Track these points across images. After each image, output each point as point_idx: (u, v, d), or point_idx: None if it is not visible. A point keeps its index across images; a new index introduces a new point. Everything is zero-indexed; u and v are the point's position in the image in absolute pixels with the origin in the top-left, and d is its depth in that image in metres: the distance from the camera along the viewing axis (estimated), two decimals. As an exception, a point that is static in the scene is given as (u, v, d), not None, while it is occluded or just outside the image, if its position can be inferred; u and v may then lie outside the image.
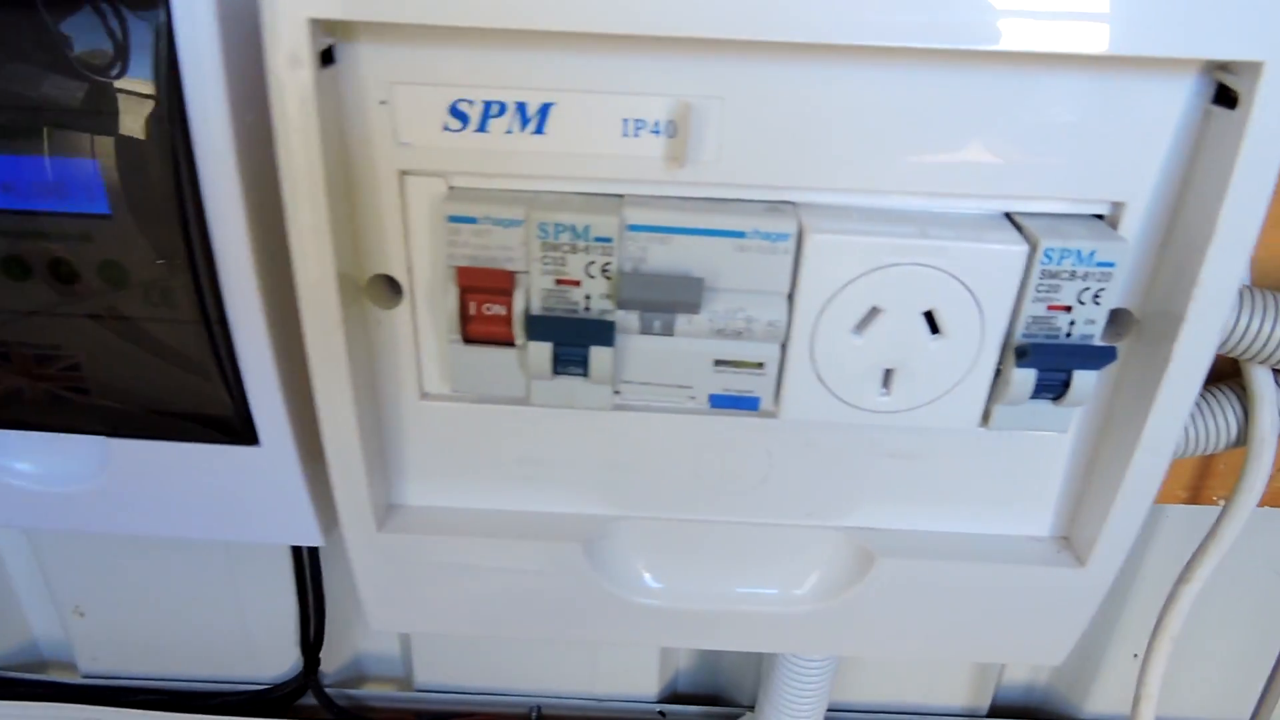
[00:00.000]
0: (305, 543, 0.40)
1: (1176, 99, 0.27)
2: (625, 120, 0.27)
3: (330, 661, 0.60)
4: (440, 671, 0.60)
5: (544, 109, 0.27)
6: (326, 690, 0.58)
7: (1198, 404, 0.37)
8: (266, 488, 0.37)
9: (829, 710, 0.53)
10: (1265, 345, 0.34)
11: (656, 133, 0.27)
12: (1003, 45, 0.25)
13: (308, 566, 0.53)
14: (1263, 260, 0.35)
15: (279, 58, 0.25)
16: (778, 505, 0.33)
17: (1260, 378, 0.36)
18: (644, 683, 0.60)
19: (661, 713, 0.60)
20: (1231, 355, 0.36)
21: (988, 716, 0.60)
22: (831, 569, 0.34)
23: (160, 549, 0.55)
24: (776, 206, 0.28)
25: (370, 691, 0.61)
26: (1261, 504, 0.39)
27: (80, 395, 0.36)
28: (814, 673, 0.46)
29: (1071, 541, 0.33)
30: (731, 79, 0.27)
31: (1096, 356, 0.28)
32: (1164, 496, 0.43)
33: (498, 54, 0.26)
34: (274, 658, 0.59)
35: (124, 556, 0.55)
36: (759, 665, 0.59)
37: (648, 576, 0.34)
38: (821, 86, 0.27)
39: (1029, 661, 0.35)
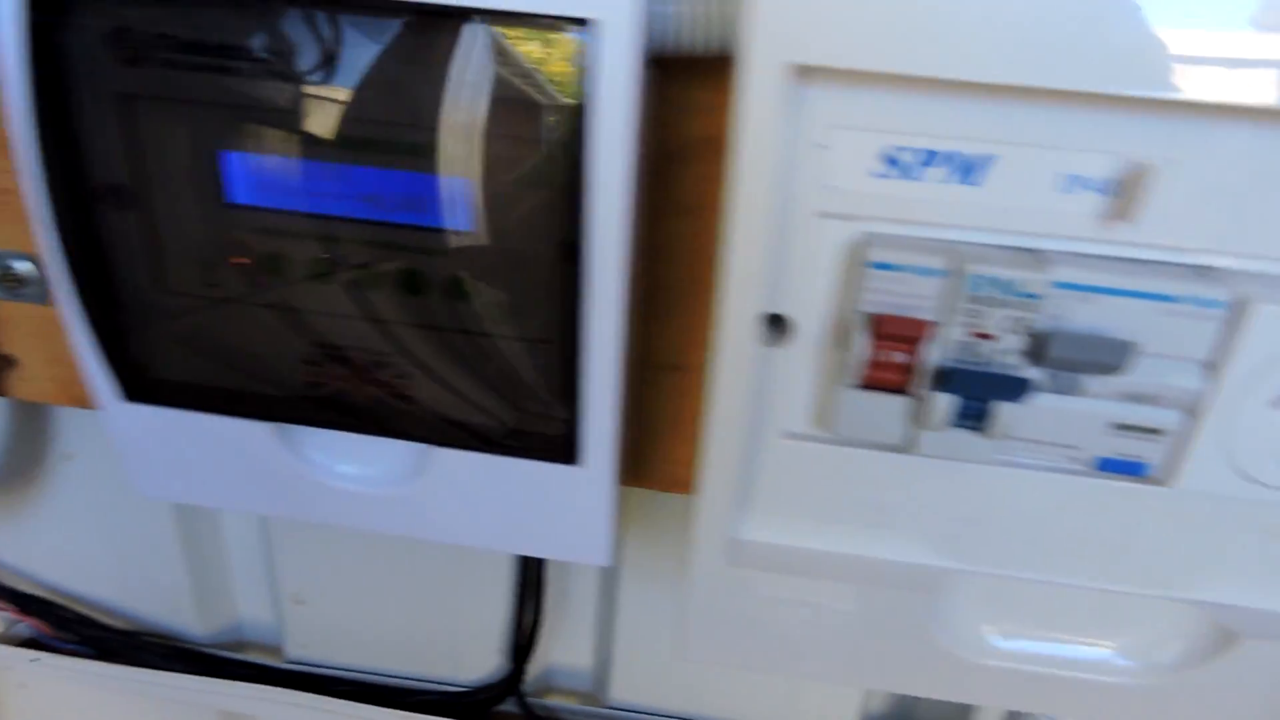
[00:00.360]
0: (596, 562, 0.40)
1: None
2: (1065, 176, 0.27)
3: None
4: (636, 690, 0.60)
5: (983, 161, 0.27)
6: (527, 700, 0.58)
7: None
8: (576, 507, 0.38)
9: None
10: None
11: (1095, 190, 0.27)
12: None
13: (535, 577, 0.54)
14: None
15: (752, 100, 0.25)
16: (1136, 573, 0.32)
17: None
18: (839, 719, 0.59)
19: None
20: None
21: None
22: (1187, 644, 0.33)
23: (388, 545, 0.56)
24: (1205, 271, 0.28)
25: (565, 704, 0.61)
26: None
27: (411, 403, 0.36)
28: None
29: None
30: (1181, 140, 0.26)
31: None
32: None
33: (945, 103, 0.26)
34: (475, 662, 0.60)
35: (350, 549, 0.56)
36: (958, 714, 0.58)
37: (991, 635, 0.34)
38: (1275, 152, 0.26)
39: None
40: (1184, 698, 0.33)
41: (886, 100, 0.26)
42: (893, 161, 0.27)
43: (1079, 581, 0.32)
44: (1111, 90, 0.25)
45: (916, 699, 0.60)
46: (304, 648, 0.61)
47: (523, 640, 0.56)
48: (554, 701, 0.62)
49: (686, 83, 0.34)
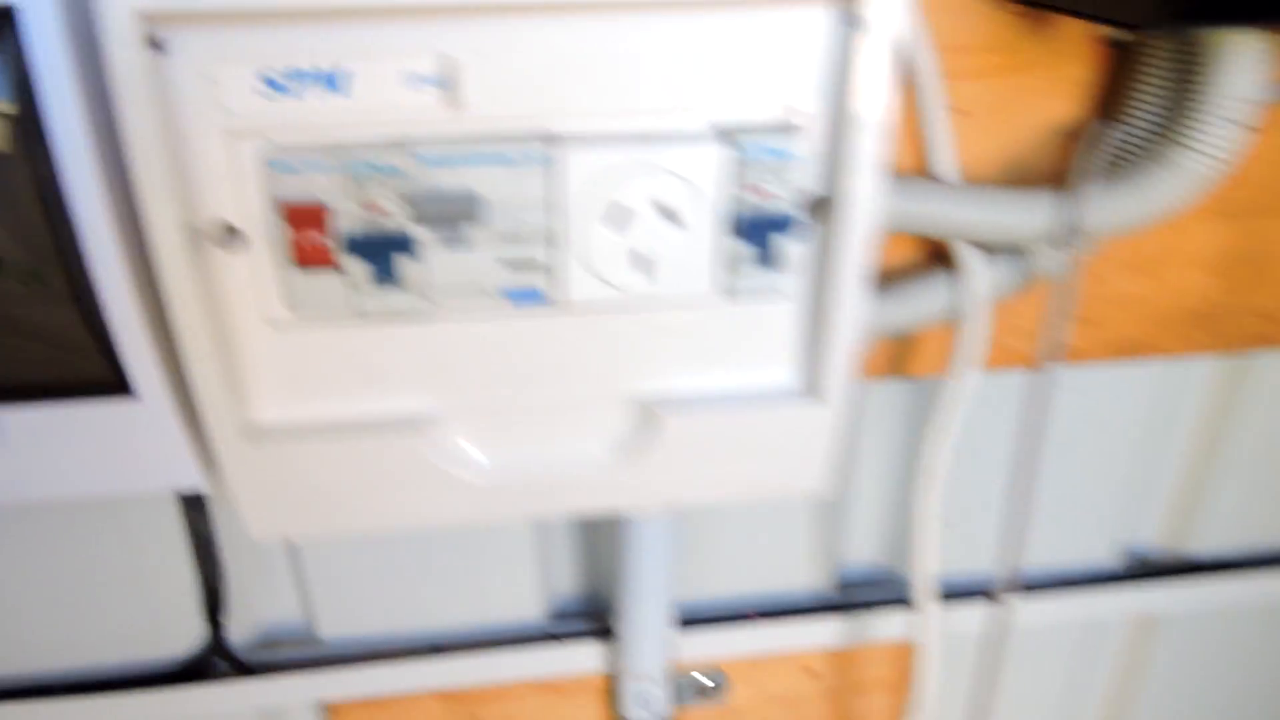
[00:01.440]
0: (188, 487, 0.45)
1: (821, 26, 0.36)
2: (408, 76, 0.35)
3: (237, 631, 0.64)
4: (343, 623, 0.65)
5: (345, 74, 0.34)
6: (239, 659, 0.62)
7: (906, 286, 0.48)
8: (147, 436, 0.43)
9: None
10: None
11: (433, 84, 0.35)
12: None
13: (201, 532, 0.58)
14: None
15: (114, 48, 0.32)
16: (576, 382, 0.41)
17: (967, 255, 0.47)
18: (527, 606, 0.67)
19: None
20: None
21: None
22: (630, 430, 0.42)
23: (50, 535, 0.58)
24: (536, 133, 0.36)
25: (279, 653, 0.66)
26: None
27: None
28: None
29: (811, 387, 0.42)
30: (487, 36, 0.35)
31: (785, 226, 0.37)
32: (871, 370, 0.54)
33: (296, 32, 0.34)
34: (179, 631, 0.63)
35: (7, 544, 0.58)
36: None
37: (479, 456, 0.42)
38: (555, 37, 0.35)
39: (783, 493, 0.44)
40: (641, 473, 0.42)
41: (255, 34, 0.33)
42: (272, 83, 0.34)
43: (534, 391, 0.41)
44: (414, 4, 0.33)
45: (593, 570, 0.69)
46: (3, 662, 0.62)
47: (212, 599, 0.60)
48: (272, 653, 0.66)
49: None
